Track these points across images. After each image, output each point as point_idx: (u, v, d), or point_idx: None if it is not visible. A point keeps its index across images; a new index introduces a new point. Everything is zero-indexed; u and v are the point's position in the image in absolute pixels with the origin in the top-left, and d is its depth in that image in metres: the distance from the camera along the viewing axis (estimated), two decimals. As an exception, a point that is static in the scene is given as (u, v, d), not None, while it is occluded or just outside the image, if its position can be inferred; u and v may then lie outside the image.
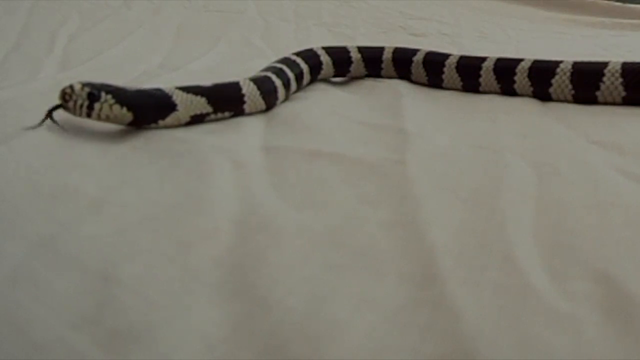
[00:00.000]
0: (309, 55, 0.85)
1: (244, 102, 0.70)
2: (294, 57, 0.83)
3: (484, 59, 0.83)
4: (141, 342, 0.32)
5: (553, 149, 0.60)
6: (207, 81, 0.69)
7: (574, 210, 0.47)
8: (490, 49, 1.05)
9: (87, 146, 0.59)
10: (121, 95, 0.62)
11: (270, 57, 1.10)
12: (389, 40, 1.10)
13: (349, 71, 0.90)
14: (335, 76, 0.89)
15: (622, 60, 0.75)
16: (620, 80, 0.73)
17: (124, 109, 0.62)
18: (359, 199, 0.49)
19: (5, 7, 1.39)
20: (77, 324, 0.33)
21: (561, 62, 0.77)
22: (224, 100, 0.69)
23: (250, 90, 0.71)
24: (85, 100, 0.61)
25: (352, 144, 0.61)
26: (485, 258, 0.40)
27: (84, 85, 0.61)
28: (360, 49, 0.90)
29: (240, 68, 1.00)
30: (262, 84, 0.72)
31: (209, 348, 0.32)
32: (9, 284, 0.37)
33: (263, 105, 0.72)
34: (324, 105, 0.76)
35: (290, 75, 0.78)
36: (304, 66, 0.83)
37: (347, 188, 0.51)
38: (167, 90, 0.66)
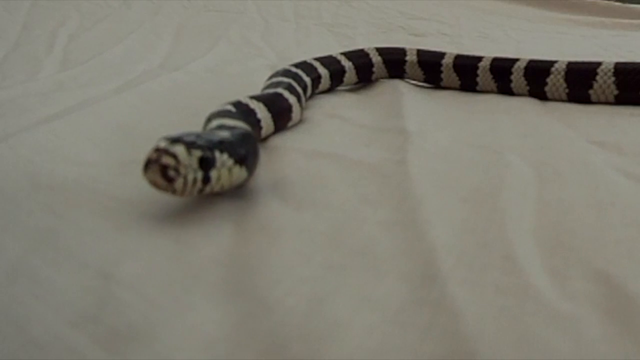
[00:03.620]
0: (309, 68, 0.78)
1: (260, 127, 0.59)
2: (295, 69, 0.76)
3: (480, 59, 0.83)
4: (141, 341, 0.32)
5: (553, 149, 0.60)
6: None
7: (574, 210, 0.47)
8: (491, 49, 1.05)
9: (87, 143, 0.59)
10: (235, 150, 0.43)
11: (270, 57, 1.10)
12: (389, 40, 1.09)
13: (342, 81, 0.84)
14: (330, 88, 0.83)
15: (621, 60, 0.76)
16: (613, 79, 0.74)
17: (243, 169, 0.44)
18: (359, 199, 0.49)
19: (5, 7, 1.39)
20: (77, 321, 0.33)
21: (556, 61, 0.78)
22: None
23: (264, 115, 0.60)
24: (198, 171, 0.41)
25: (352, 144, 0.61)
26: (485, 258, 0.40)
27: (188, 146, 0.40)
28: (349, 56, 0.85)
29: (240, 68, 1.00)
30: (274, 103, 0.62)
31: (209, 348, 0.32)
32: (8, 280, 0.37)
33: (272, 128, 0.62)
34: (324, 105, 0.75)
35: (299, 90, 0.69)
36: (307, 79, 0.75)
37: (347, 188, 0.51)
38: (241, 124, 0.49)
